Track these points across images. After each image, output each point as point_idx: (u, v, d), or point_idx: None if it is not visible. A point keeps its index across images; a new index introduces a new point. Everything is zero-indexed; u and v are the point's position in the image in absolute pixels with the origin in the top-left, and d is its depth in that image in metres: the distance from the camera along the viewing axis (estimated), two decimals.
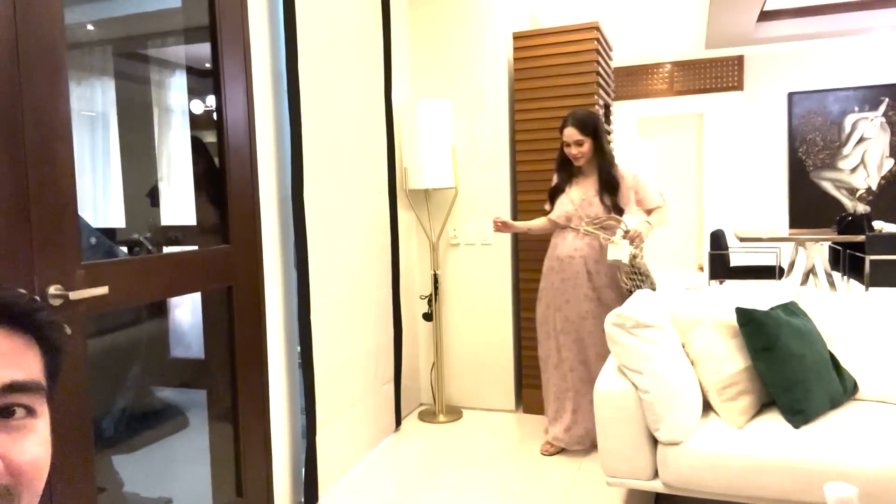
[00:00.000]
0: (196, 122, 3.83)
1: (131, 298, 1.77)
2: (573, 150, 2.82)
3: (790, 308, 2.34)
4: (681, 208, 7.54)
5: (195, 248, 2.86)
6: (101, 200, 3.56)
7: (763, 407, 2.22)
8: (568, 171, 2.94)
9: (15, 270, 1.40)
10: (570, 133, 2.82)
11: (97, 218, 3.50)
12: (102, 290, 1.58)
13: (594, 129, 2.82)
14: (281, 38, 2.32)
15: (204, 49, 2.35)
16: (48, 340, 0.60)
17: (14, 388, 0.55)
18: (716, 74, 7.24)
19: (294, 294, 2.42)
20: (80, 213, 1.65)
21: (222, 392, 2.19)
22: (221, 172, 2.09)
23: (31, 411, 0.56)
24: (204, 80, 3.72)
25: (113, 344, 2.89)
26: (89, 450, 1.61)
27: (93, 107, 3.63)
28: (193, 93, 3.83)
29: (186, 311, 3.32)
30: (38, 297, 1.44)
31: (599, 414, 2.18)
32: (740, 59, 7.15)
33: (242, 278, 2.15)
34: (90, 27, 3.77)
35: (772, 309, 2.28)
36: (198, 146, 2.78)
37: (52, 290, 1.47)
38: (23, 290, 0.61)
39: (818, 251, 5.80)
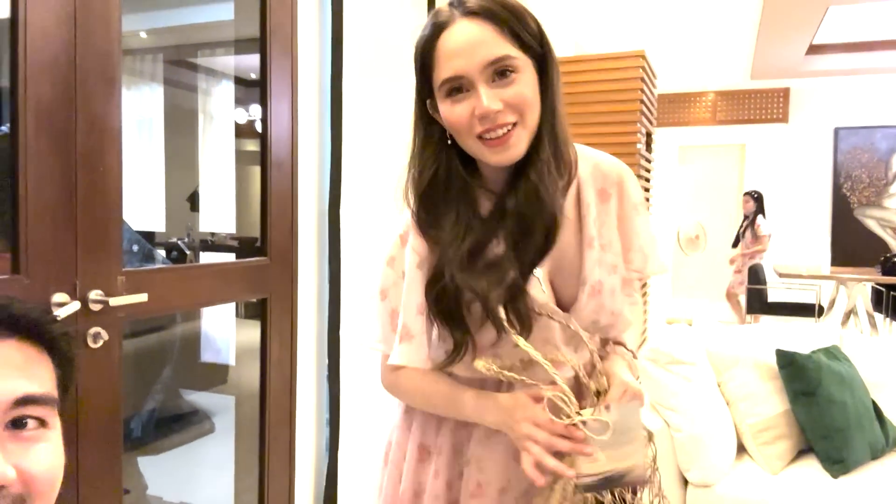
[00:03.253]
0: (240, 131, 3.89)
1: (169, 306, 1.80)
2: (492, 95, 0.87)
3: (832, 352, 2.27)
4: (719, 239, 7.41)
5: (232, 256, 2.89)
6: (143, 203, 3.64)
7: (800, 453, 2.15)
8: (455, 182, 0.97)
9: (59, 274, 1.43)
10: (476, 35, 0.88)
11: (139, 220, 3.58)
12: (142, 297, 1.60)
13: (540, 35, 0.93)
14: (328, 54, 2.35)
15: (251, 60, 2.39)
16: (61, 352, 0.61)
17: (27, 400, 0.55)
18: (760, 105, 7.13)
19: (327, 307, 2.42)
20: (124, 218, 1.68)
21: (250, 400, 2.19)
22: (263, 185, 2.11)
23: (43, 423, 0.57)
24: (249, 90, 3.79)
25: (145, 346, 2.94)
26: (118, 453, 1.62)
27: (141, 111, 3.73)
28: (239, 102, 3.90)
29: (218, 317, 3.37)
30: (80, 301, 1.46)
31: None
32: (786, 90, 7.03)
33: (278, 291, 2.16)
34: (143, 35, 3.87)
35: (813, 352, 2.21)
36: None
37: (94, 294, 1.50)
38: (55, 307, 0.61)
39: (860, 291, 5.64)
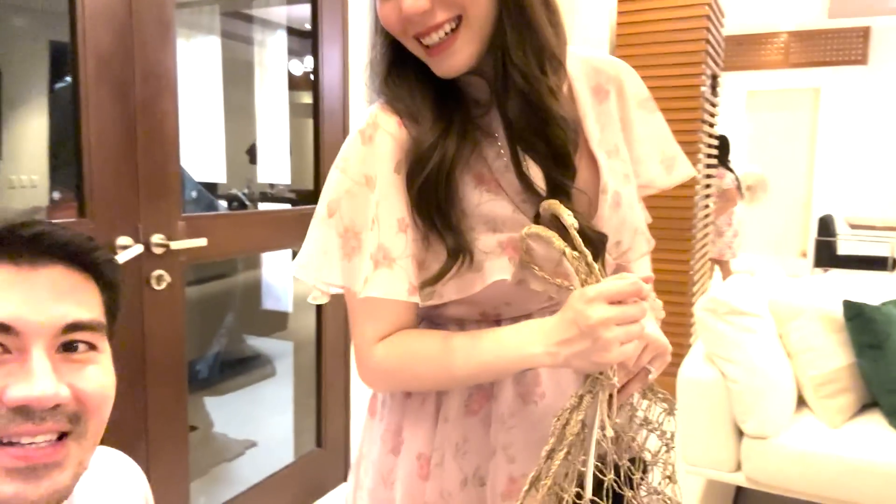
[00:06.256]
0: (294, 82, 3.92)
1: (227, 251, 1.85)
2: None
3: None
4: (787, 189, 7.09)
5: (287, 206, 2.94)
6: (205, 155, 3.74)
7: (864, 408, 2.07)
8: (428, 88, 0.77)
9: (122, 218, 1.49)
10: None
11: (202, 172, 3.68)
12: (201, 241, 1.65)
13: None
14: None
15: (305, 10, 2.38)
16: (105, 279, 0.61)
17: (77, 326, 0.57)
18: (837, 46, 6.68)
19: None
20: (185, 167, 1.72)
21: (308, 345, 2.26)
22: (316, 133, 2.13)
23: (93, 347, 0.59)
24: (304, 42, 3.79)
25: (210, 292, 3.06)
26: (183, 392, 1.71)
27: (200, 64, 3.78)
28: (293, 54, 3.92)
29: (277, 266, 3.46)
30: (142, 244, 1.52)
31: (683, 400, 2.10)
32: (866, 30, 6.55)
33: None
34: None
35: (883, 304, 2.11)
36: None
37: (156, 238, 1.56)
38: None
39: None
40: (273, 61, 3.79)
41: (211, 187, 3.68)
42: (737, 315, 2.02)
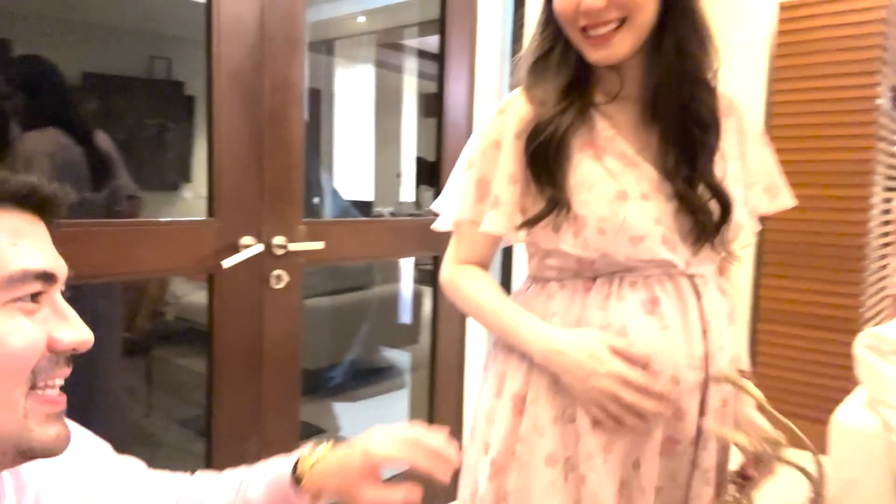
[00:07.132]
0: (430, 108, 4.06)
1: (344, 255, 1.92)
2: None
3: None
4: None
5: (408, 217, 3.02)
6: (357, 175, 3.95)
7: None
8: (568, 63, 0.94)
9: (246, 219, 1.60)
10: None
11: (355, 191, 3.90)
12: (319, 244, 1.73)
13: None
14: (510, 15, 2.33)
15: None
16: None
17: (66, 277, 0.60)
18: None
19: (497, 268, 2.43)
20: (337, 187, 1.79)
21: (424, 357, 2.28)
22: (438, 149, 2.17)
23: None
24: (431, 63, 3.91)
25: (349, 302, 3.20)
26: (297, 389, 1.78)
27: (357, 90, 4.04)
28: (423, 77, 4.04)
29: (404, 281, 3.56)
30: (263, 244, 1.61)
31: (836, 450, 1.84)
32: None
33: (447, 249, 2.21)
34: (361, 19, 4.15)
35: None
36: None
37: (277, 240, 1.65)
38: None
39: None
40: (415, 88, 3.95)
41: (363, 205, 3.89)
42: None
